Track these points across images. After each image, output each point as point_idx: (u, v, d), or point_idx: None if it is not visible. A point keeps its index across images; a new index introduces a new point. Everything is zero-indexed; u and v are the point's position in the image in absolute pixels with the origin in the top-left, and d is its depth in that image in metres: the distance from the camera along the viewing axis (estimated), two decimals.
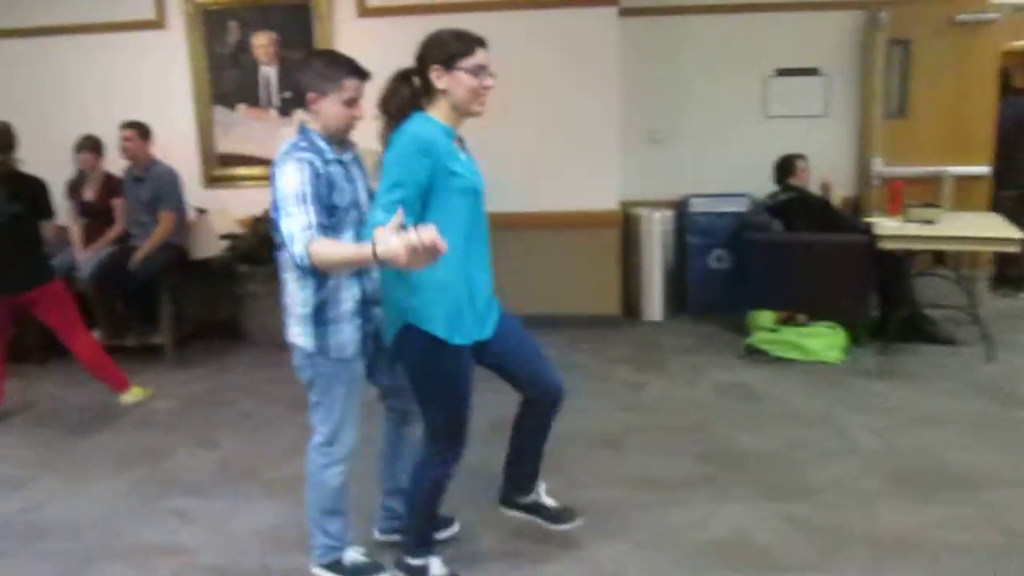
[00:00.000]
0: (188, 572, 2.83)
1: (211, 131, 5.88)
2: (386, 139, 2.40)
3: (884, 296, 5.20)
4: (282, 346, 5.58)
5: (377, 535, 2.96)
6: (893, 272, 5.12)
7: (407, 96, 2.41)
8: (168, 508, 3.31)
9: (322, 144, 2.48)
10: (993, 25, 5.79)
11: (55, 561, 2.93)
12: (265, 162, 5.83)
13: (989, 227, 5.02)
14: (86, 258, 5.31)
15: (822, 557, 2.78)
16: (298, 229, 2.30)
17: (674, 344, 5.40)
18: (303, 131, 2.52)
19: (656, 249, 5.97)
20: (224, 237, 5.54)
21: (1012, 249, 4.87)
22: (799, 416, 4.07)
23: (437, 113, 2.40)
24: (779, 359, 4.93)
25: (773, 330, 5.08)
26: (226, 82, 5.82)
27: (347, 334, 2.54)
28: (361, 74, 2.52)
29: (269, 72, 5.79)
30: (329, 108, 2.48)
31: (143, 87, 5.77)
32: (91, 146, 5.38)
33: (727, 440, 3.80)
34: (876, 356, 4.93)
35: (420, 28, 6.01)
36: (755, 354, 5.01)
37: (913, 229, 4.96)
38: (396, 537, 2.84)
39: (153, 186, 5.32)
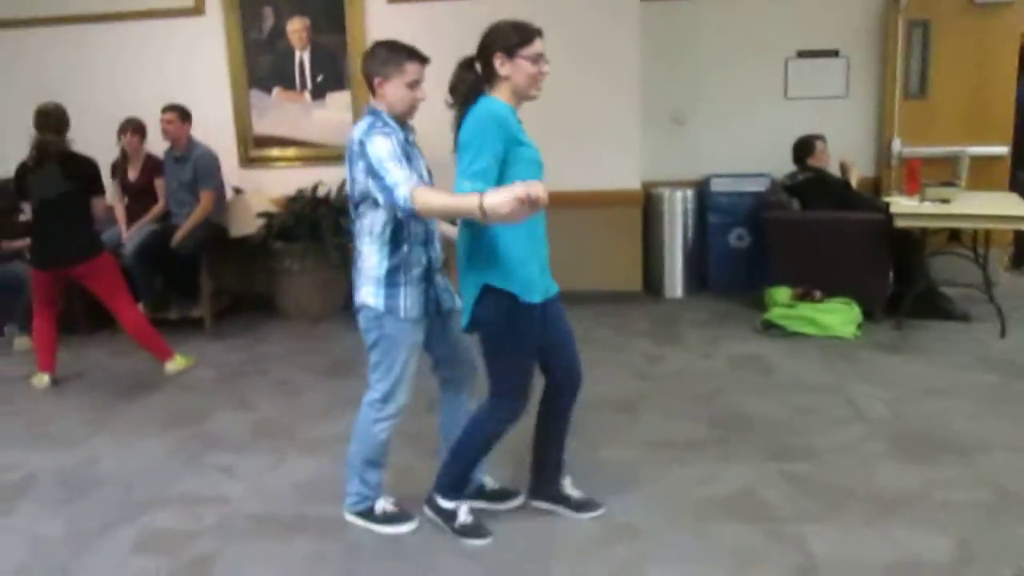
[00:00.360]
0: (231, 519, 3.07)
1: (247, 114, 6.12)
2: (458, 123, 2.63)
3: (900, 273, 5.31)
4: (315, 320, 5.85)
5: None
6: (909, 250, 5.23)
7: (472, 81, 2.64)
8: (211, 464, 3.56)
9: (393, 124, 2.72)
10: (1012, 7, 5.85)
11: (111, 508, 3.18)
12: (299, 143, 6.11)
13: (1004, 206, 5.11)
14: (129, 236, 5.58)
15: (822, 511, 2.96)
16: (402, 178, 2.52)
17: (693, 319, 5.56)
18: (374, 112, 2.75)
19: (677, 227, 6.13)
20: (260, 215, 5.78)
21: None
22: (810, 386, 4.23)
23: (499, 96, 2.63)
24: (795, 334, 5.07)
25: (790, 306, 5.22)
26: (262, 66, 6.05)
27: (414, 297, 2.77)
28: (421, 58, 2.75)
29: (303, 56, 6.01)
30: (394, 91, 2.71)
31: (182, 72, 6.02)
32: (134, 128, 5.65)
33: (738, 407, 3.97)
34: (890, 332, 5.06)
35: (447, 13, 6.24)
36: (771, 329, 5.16)
37: (929, 208, 5.07)
38: (472, 502, 3.00)
39: (193, 166, 5.57)
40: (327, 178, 5.85)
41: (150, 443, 3.81)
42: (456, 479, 2.87)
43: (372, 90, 2.77)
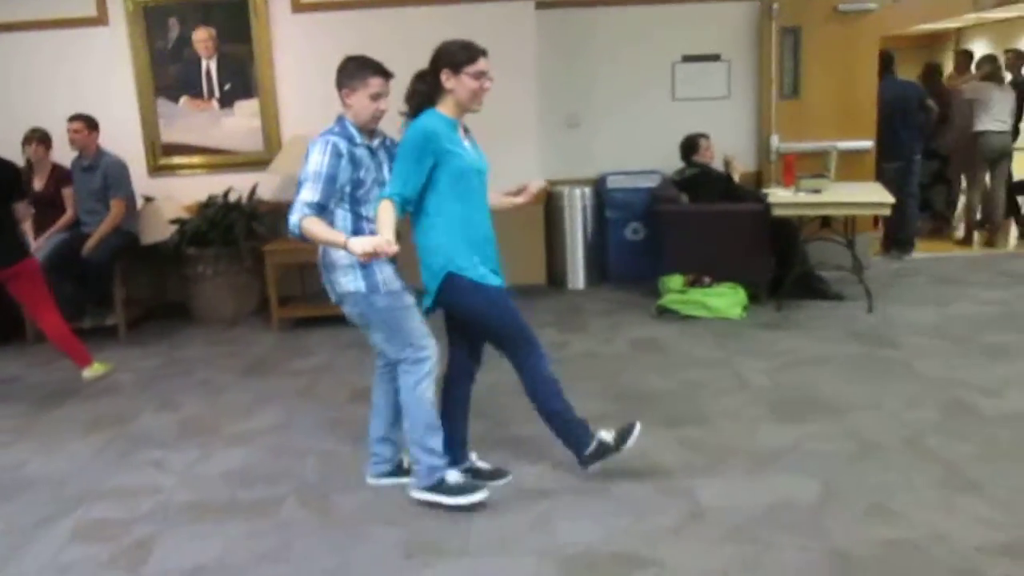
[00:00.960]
0: (166, 507, 3.24)
1: (155, 122, 6.18)
2: (406, 129, 2.97)
3: (779, 258, 5.79)
4: (230, 323, 5.98)
5: (370, 479, 3.33)
6: (787, 237, 5.72)
7: (423, 92, 2.97)
8: (141, 459, 3.70)
9: (352, 131, 3.01)
10: (873, 14, 6.44)
11: (44, 505, 3.30)
12: (208, 151, 6.21)
13: (868, 194, 5.66)
14: (39, 245, 5.58)
15: (709, 467, 3.33)
16: (301, 203, 2.86)
17: (594, 308, 5.93)
18: (340, 119, 3.05)
19: (577, 223, 6.51)
20: (173, 222, 5.87)
21: (885, 212, 5.55)
22: (701, 362, 4.63)
23: (444, 108, 2.97)
24: (688, 317, 5.49)
25: (682, 292, 5.64)
26: (168, 75, 6.13)
27: (388, 271, 3.03)
28: (385, 73, 3.05)
29: (210, 65, 6.12)
30: (358, 101, 3.01)
31: (88, 81, 6.04)
32: (39, 138, 5.66)
33: (636, 383, 4.34)
34: (773, 312, 5.54)
35: (350, 22, 6.48)
36: (666, 313, 5.56)
37: (803, 198, 5.57)
38: (387, 481, 3.28)
39: (103, 175, 5.62)
40: (237, 184, 5.98)
41: (77, 445, 3.91)
42: (572, 437, 3.16)
43: (342, 100, 3.05)
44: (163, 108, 6.18)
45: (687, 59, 6.61)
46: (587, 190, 6.54)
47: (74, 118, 5.56)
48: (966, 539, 2.73)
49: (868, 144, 6.58)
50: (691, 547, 2.76)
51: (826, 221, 5.94)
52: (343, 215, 3.01)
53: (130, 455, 3.76)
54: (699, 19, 6.54)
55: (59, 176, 5.77)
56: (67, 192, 5.75)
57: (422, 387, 3.10)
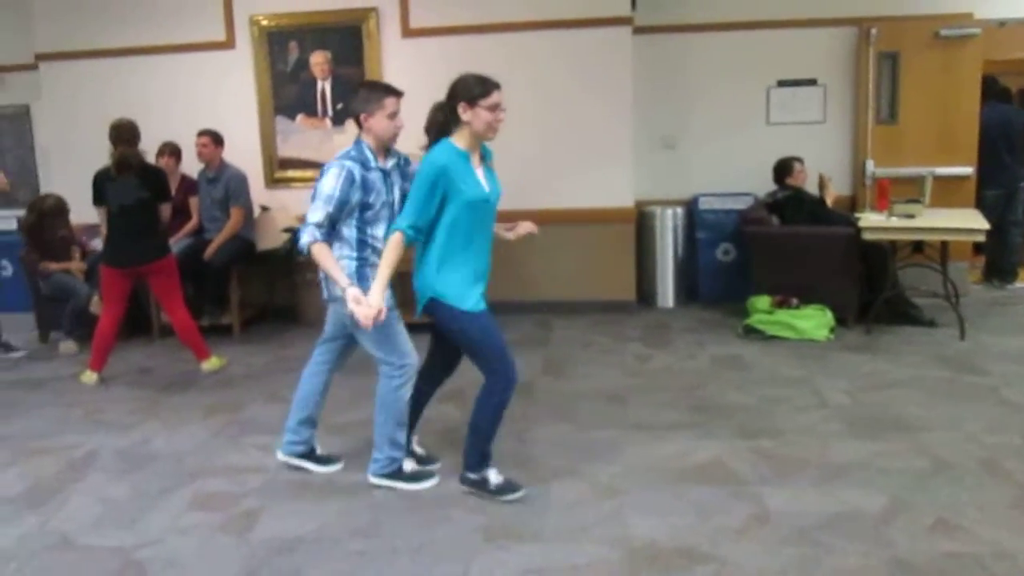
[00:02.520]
0: (272, 485, 3.57)
1: (273, 138, 6.68)
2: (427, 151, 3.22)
3: (870, 282, 5.80)
4: None
5: (281, 456, 3.70)
6: (877, 261, 5.73)
7: (441, 121, 3.20)
8: (250, 443, 4.06)
9: (368, 154, 3.30)
10: (974, 38, 6.39)
11: (167, 476, 3.69)
12: (319, 165, 6.61)
13: (962, 220, 5.61)
14: None
15: (778, 475, 3.44)
16: (312, 224, 3.18)
17: (681, 326, 6.06)
18: (357, 142, 3.35)
19: (668, 243, 6.65)
20: (285, 231, 6.31)
21: (979, 239, 5.49)
22: (782, 380, 4.71)
23: (459, 139, 3.17)
24: (773, 337, 5.56)
25: (769, 312, 5.71)
26: (286, 95, 6.62)
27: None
28: (396, 93, 3.36)
29: (325, 86, 6.58)
30: (377, 123, 3.30)
31: (215, 100, 6.58)
32: (171, 151, 6.22)
33: (716, 397, 4.46)
34: (861, 335, 5.55)
35: (456, 46, 6.86)
36: (752, 333, 5.64)
37: (895, 222, 5.57)
38: (296, 461, 3.66)
39: (225, 186, 6.12)
40: None
41: (194, 428, 4.31)
42: (481, 455, 3.34)
43: (359, 125, 3.34)
44: (281, 125, 6.66)
45: (782, 83, 6.70)
46: (679, 210, 6.69)
47: (202, 133, 6.08)
48: None
49: (968, 170, 6.51)
50: (752, 547, 2.89)
51: (920, 247, 5.91)
52: (349, 232, 3.30)
53: (241, 438, 4.13)
54: (795, 44, 6.63)
55: (187, 186, 6.30)
56: (193, 201, 6.27)
57: (403, 391, 3.40)
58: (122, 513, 3.34)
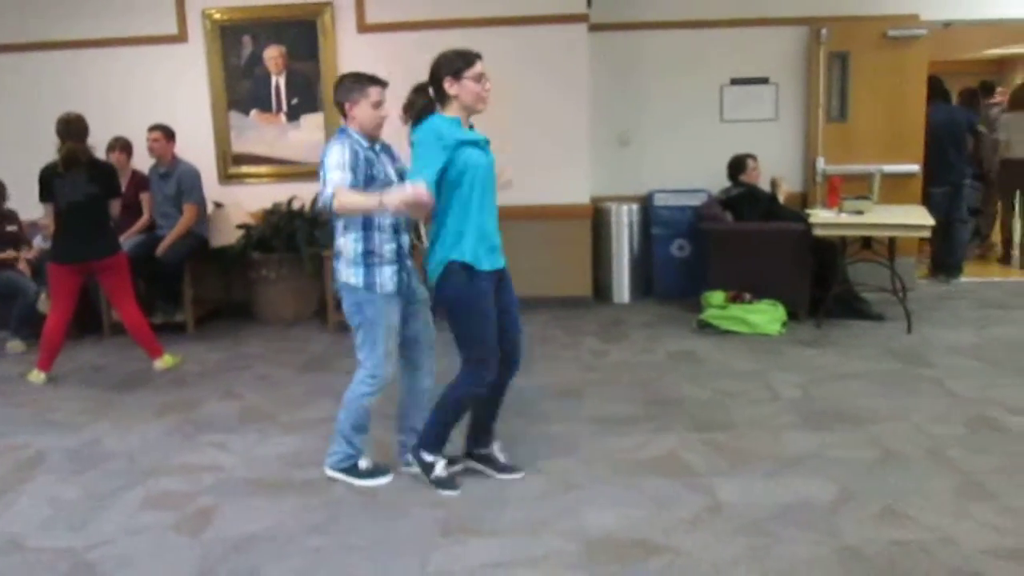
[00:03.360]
0: (226, 482, 3.53)
1: (227, 134, 6.60)
2: (411, 138, 3.20)
3: (820, 277, 5.91)
4: (290, 323, 6.31)
5: (403, 468, 3.56)
6: (828, 257, 5.84)
7: (422, 104, 3.20)
8: (205, 441, 4.01)
9: (358, 137, 3.28)
10: (922, 40, 6.53)
11: (118, 476, 3.63)
12: (274, 161, 6.60)
13: (909, 216, 5.75)
14: None
15: (731, 467, 3.50)
16: (333, 181, 3.10)
17: (637, 321, 6.12)
18: (343, 130, 3.32)
19: (624, 239, 6.71)
20: (240, 227, 6.25)
21: (925, 235, 5.63)
22: (735, 374, 4.79)
23: (450, 113, 3.18)
24: (727, 332, 5.64)
25: (723, 307, 5.79)
26: (240, 90, 6.54)
27: (387, 274, 3.29)
28: (381, 83, 3.35)
29: (279, 81, 6.51)
30: (362, 112, 3.29)
31: (167, 94, 6.48)
32: (121, 146, 6.11)
33: (671, 391, 4.52)
34: (812, 329, 5.66)
35: (412, 41, 6.82)
36: (706, 328, 5.72)
37: (844, 219, 5.69)
38: (417, 468, 3.46)
39: (177, 182, 6.04)
40: (301, 193, 6.33)
41: (147, 427, 4.24)
42: (437, 437, 3.35)
43: (344, 115, 3.32)
44: (235, 120, 6.58)
45: (735, 81, 6.78)
46: (634, 207, 6.74)
47: (153, 128, 5.99)
48: (974, 543, 2.85)
49: (915, 168, 6.66)
50: (706, 538, 2.94)
51: (868, 243, 6.04)
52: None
53: (195, 437, 4.08)
54: (748, 43, 6.72)
55: (138, 182, 6.20)
56: (144, 197, 6.17)
57: (367, 400, 3.37)
58: (72, 514, 3.28)
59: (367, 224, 3.27)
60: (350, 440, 3.44)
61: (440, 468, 3.36)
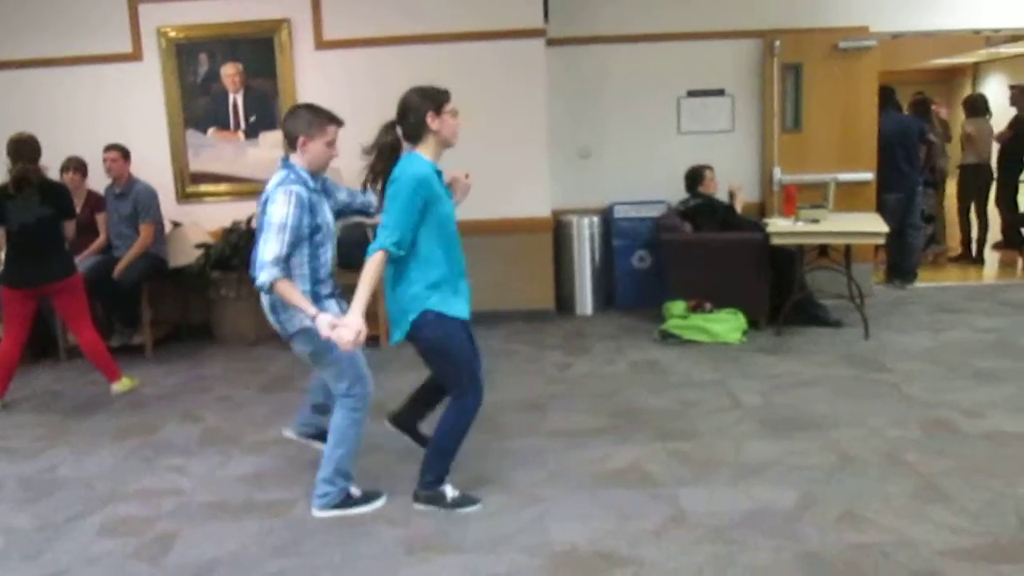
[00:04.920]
0: (187, 507, 3.48)
1: (184, 152, 6.52)
2: (372, 169, 3.20)
3: (778, 286, 5.98)
4: (251, 343, 6.23)
5: (289, 433, 3.66)
6: (785, 265, 5.92)
7: (390, 141, 3.20)
8: (165, 465, 3.95)
9: (306, 176, 3.22)
10: (872, 51, 6.68)
11: (74, 503, 3.56)
12: (233, 179, 6.53)
13: (865, 223, 5.86)
14: None
15: (694, 477, 3.53)
16: (270, 259, 3.03)
17: (600, 333, 6.15)
18: (288, 165, 3.23)
19: (585, 251, 6.75)
20: (198, 246, 6.17)
21: (880, 241, 5.74)
22: (697, 383, 4.83)
23: (425, 150, 3.18)
24: (689, 342, 5.69)
25: (684, 317, 5.84)
26: (197, 108, 6.48)
27: (333, 308, 3.25)
28: (338, 122, 3.29)
29: (237, 98, 6.47)
30: (315, 148, 3.22)
31: (122, 113, 6.39)
32: (75, 167, 6.00)
33: (634, 402, 4.54)
34: (772, 337, 5.73)
35: (369, 58, 6.81)
36: (668, 338, 5.77)
37: (801, 227, 5.78)
38: (303, 440, 3.64)
39: (133, 201, 5.95)
40: None
41: (104, 452, 4.17)
42: (441, 473, 3.34)
43: (293, 146, 3.24)
44: (192, 139, 6.52)
45: (692, 94, 6.87)
46: (595, 219, 6.79)
47: (110, 148, 5.90)
48: (931, 544, 2.90)
49: (868, 176, 6.79)
50: (670, 547, 2.96)
51: (824, 250, 6.13)
52: (300, 264, 3.18)
53: (154, 461, 4.01)
54: (704, 56, 6.81)
55: (93, 202, 6.10)
56: (100, 217, 6.08)
57: (359, 417, 3.33)
58: (27, 544, 3.21)
59: (314, 272, 3.23)
60: (347, 473, 3.36)
61: (451, 491, 3.34)
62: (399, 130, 3.20)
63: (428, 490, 3.34)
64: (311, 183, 3.22)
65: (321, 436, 3.53)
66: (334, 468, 3.33)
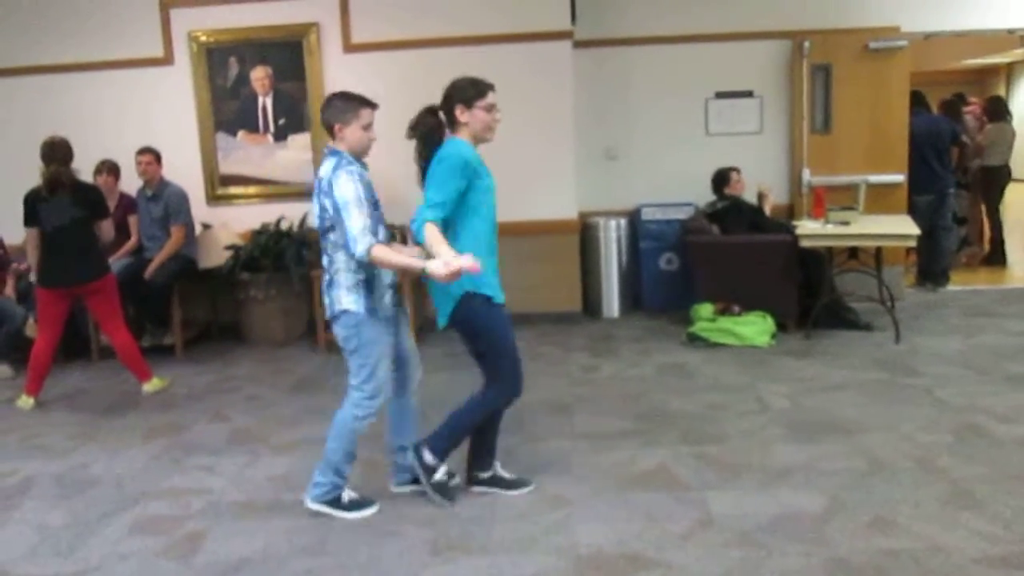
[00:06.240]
0: (216, 506, 3.52)
1: (214, 155, 6.59)
2: (419, 155, 3.27)
3: (807, 288, 5.93)
4: (280, 344, 6.27)
5: (394, 488, 3.55)
6: (815, 267, 5.87)
7: (432, 124, 3.26)
8: (194, 464, 3.99)
9: (353, 161, 3.25)
10: (903, 51, 6.59)
11: (106, 501, 3.61)
12: (262, 182, 6.59)
13: (895, 226, 5.79)
14: None
15: (721, 480, 3.51)
16: (359, 231, 3.08)
17: (626, 335, 6.13)
18: (336, 152, 3.27)
19: (612, 253, 6.72)
20: (228, 248, 6.23)
21: (911, 244, 5.66)
22: (725, 387, 4.80)
23: (461, 138, 3.24)
24: (717, 345, 5.65)
25: (712, 320, 5.81)
26: (227, 111, 6.55)
27: (387, 299, 3.29)
28: (372, 105, 3.32)
29: (266, 101, 6.53)
30: (352, 133, 3.25)
31: (153, 117, 6.47)
32: (108, 169, 6.10)
33: (660, 405, 4.52)
34: (801, 340, 5.68)
35: (398, 61, 6.85)
36: (696, 341, 5.73)
37: (830, 229, 5.72)
38: (409, 488, 3.49)
39: (165, 203, 6.03)
40: (289, 213, 6.33)
41: (135, 451, 4.22)
42: (446, 442, 3.37)
43: (332, 135, 3.29)
44: (222, 142, 6.59)
45: (720, 95, 6.82)
46: (622, 221, 6.76)
47: (143, 151, 5.99)
48: (964, 552, 2.86)
49: (899, 178, 6.70)
50: (697, 551, 2.94)
51: (855, 253, 6.07)
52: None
53: (184, 460, 4.06)
54: (732, 57, 6.77)
55: (126, 204, 6.19)
56: (132, 219, 6.16)
57: (362, 424, 3.32)
58: (59, 541, 3.26)
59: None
60: (340, 470, 3.36)
61: (442, 473, 3.36)
62: (442, 115, 3.27)
63: (428, 452, 3.36)
64: (358, 165, 3.27)
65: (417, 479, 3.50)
66: (325, 462, 3.36)
